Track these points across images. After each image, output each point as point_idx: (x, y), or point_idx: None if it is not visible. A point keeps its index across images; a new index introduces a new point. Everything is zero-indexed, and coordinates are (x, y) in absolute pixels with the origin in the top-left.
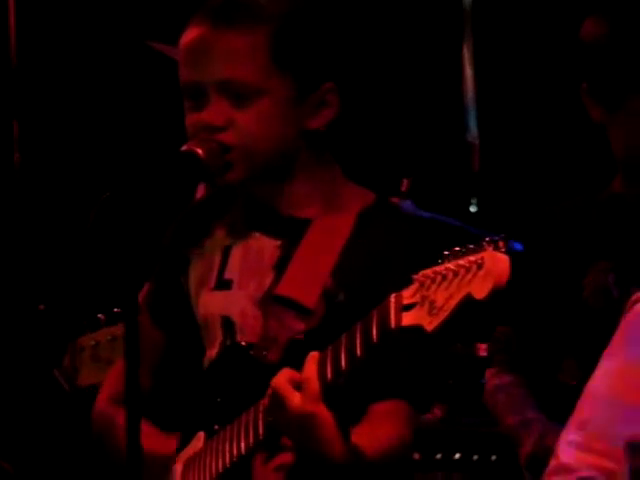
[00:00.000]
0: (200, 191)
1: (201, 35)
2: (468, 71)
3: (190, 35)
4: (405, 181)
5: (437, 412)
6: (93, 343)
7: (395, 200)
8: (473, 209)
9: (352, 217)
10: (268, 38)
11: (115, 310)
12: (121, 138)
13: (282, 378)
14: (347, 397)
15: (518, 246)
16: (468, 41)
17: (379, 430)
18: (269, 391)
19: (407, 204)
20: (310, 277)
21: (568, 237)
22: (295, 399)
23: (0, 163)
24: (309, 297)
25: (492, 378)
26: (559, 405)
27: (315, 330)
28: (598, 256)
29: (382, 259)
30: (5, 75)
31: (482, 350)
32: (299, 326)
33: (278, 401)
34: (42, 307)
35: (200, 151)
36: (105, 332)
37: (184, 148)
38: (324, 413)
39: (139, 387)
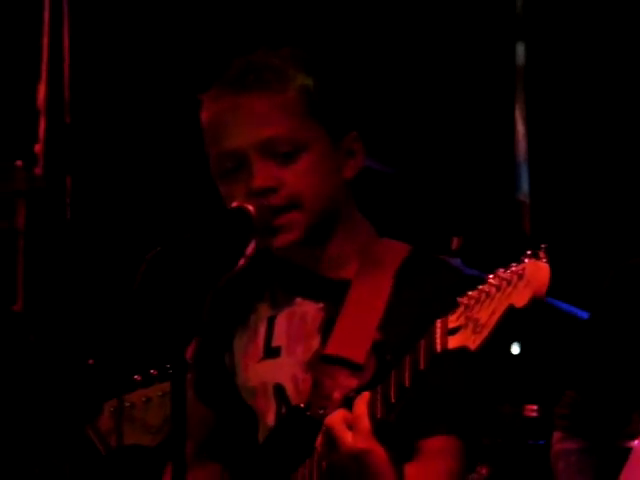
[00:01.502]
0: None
1: (233, 103)
2: (520, 129)
3: (219, 106)
4: (455, 239)
5: (483, 472)
6: (128, 404)
7: (444, 258)
8: None
9: (391, 272)
10: (300, 92)
11: (151, 372)
12: (173, 193)
13: (336, 417)
14: (399, 434)
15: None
16: (520, 99)
17: (431, 467)
18: (322, 429)
19: (456, 262)
20: (358, 335)
21: (633, 299)
22: (347, 437)
23: (53, 219)
24: (359, 354)
25: (556, 443)
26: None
27: (368, 385)
28: None
29: (426, 309)
30: (59, 131)
31: (529, 411)
32: (352, 383)
33: (331, 440)
34: (92, 361)
35: (251, 208)
36: (140, 394)
37: (235, 205)
38: (377, 449)
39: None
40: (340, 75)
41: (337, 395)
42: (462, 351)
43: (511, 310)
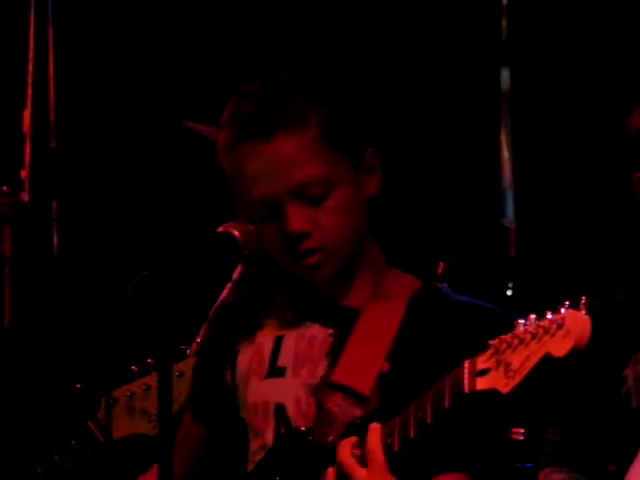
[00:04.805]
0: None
1: (256, 150)
2: (505, 154)
3: (241, 154)
4: (442, 264)
5: None
6: (128, 394)
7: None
8: (509, 293)
9: (402, 304)
10: (320, 126)
11: (148, 361)
12: (158, 217)
13: (344, 453)
14: (414, 467)
15: None
16: (505, 124)
17: None
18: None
19: (443, 287)
20: (364, 364)
21: (611, 331)
22: (361, 473)
23: (39, 242)
24: (364, 384)
25: (543, 479)
26: None
27: (372, 415)
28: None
29: (437, 345)
30: (44, 155)
31: (516, 434)
32: (356, 412)
33: (344, 476)
34: (51, 365)
35: (237, 233)
36: (139, 383)
37: (220, 229)
38: None
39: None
40: (348, 94)
41: (340, 422)
42: (491, 394)
43: (547, 358)
